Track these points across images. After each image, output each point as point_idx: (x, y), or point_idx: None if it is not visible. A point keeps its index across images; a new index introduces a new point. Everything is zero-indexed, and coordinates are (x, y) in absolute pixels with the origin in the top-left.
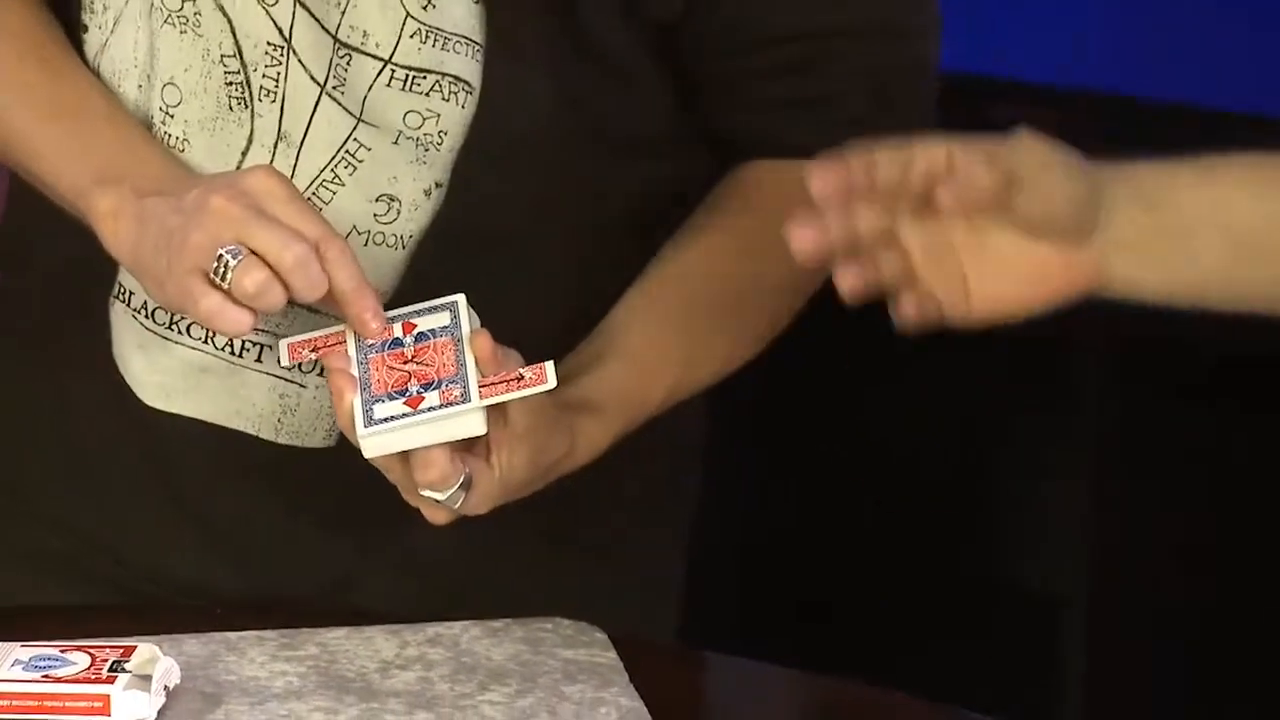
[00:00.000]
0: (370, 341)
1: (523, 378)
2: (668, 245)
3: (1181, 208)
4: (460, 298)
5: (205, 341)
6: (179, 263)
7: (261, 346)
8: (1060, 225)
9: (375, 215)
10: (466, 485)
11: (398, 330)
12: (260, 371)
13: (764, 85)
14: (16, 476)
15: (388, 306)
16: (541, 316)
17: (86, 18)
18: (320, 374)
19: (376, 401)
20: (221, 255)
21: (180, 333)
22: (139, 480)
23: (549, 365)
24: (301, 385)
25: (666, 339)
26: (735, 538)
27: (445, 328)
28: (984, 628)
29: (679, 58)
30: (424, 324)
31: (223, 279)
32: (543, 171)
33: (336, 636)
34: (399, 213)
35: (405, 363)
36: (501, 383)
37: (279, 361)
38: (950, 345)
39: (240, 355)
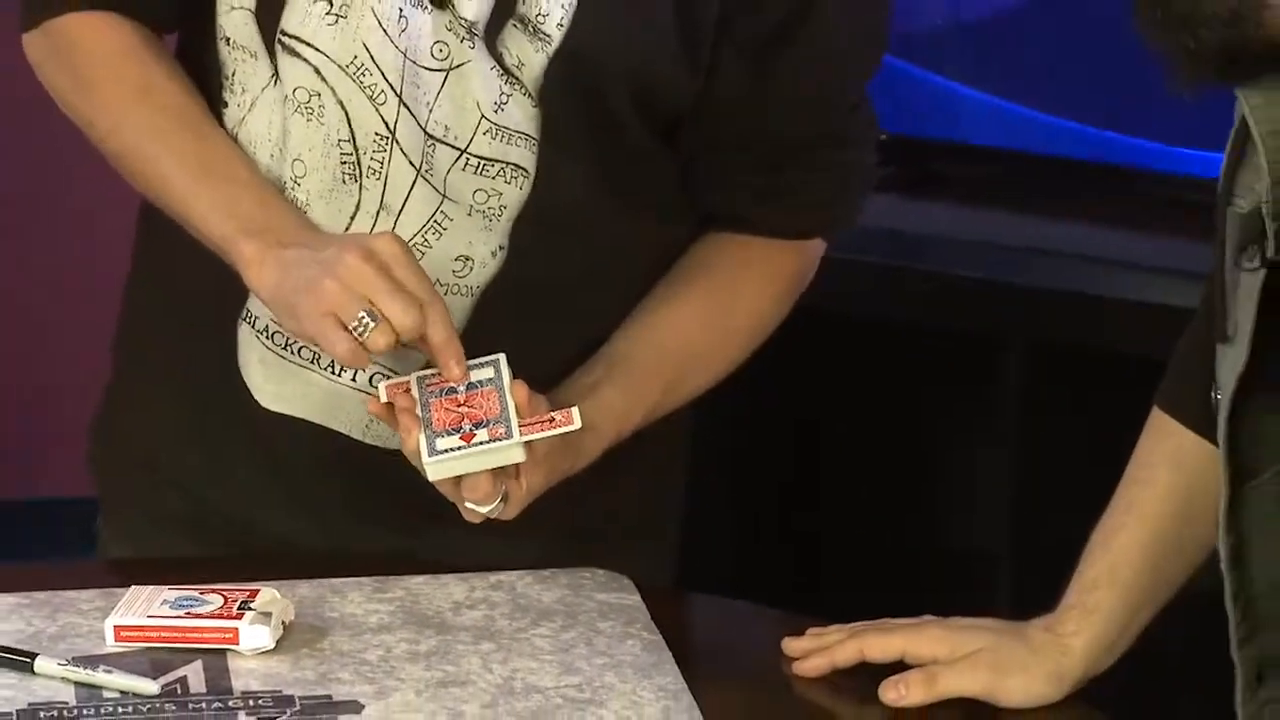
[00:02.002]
0: (430, 388)
1: (554, 419)
2: (653, 294)
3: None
4: (501, 356)
5: (312, 363)
6: (316, 306)
7: (355, 370)
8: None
9: (454, 271)
10: (504, 499)
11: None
12: (353, 389)
13: (745, 175)
14: (160, 458)
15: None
16: (577, 348)
17: (228, 96)
18: None
19: (438, 436)
20: (362, 317)
21: (293, 354)
22: (254, 463)
23: (575, 410)
24: None
25: (651, 373)
26: (721, 499)
27: (490, 379)
28: (924, 581)
29: (681, 144)
30: (473, 376)
31: (360, 334)
32: (581, 236)
33: (418, 582)
34: (472, 269)
35: (459, 406)
36: (537, 423)
37: (379, 397)
38: (897, 344)
39: (339, 375)
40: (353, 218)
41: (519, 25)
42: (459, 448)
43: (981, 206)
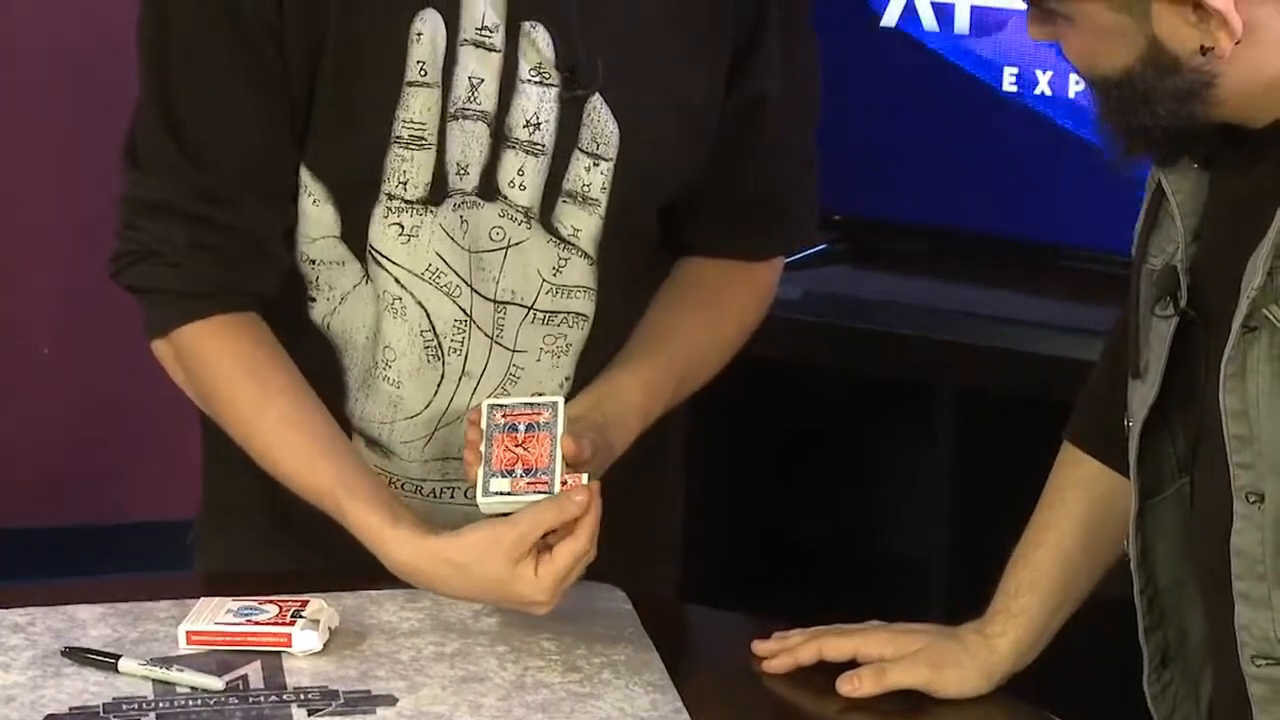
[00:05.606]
0: (496, 421)
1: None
2: (655, 307)
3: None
4: (559, 400)
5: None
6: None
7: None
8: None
9: None
10: None
11: (517, 421)
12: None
13: (724, 215)
14: (233, 500)
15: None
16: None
17: (314, 293)
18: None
19: (493, 476)
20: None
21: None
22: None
23: (595, 485)
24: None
25: (664, 373)
26: (709, 523)
27: (547, 423)
28: (872, 589)
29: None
30: (533, 418)
31: None
32: (623, 338)
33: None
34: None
35: (517, 446)
36: (574, 479)
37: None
38: (848, 391)
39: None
40: (438, 386)
41: (569, 200)
42: (508, 492)
43: (917, 276)
